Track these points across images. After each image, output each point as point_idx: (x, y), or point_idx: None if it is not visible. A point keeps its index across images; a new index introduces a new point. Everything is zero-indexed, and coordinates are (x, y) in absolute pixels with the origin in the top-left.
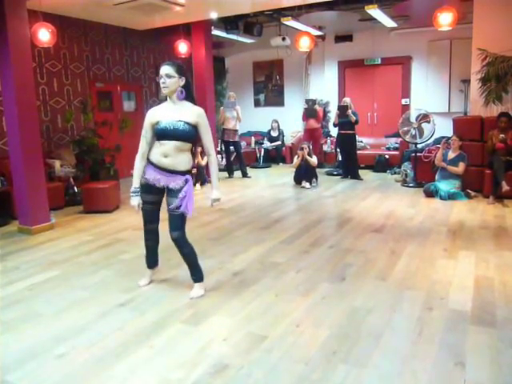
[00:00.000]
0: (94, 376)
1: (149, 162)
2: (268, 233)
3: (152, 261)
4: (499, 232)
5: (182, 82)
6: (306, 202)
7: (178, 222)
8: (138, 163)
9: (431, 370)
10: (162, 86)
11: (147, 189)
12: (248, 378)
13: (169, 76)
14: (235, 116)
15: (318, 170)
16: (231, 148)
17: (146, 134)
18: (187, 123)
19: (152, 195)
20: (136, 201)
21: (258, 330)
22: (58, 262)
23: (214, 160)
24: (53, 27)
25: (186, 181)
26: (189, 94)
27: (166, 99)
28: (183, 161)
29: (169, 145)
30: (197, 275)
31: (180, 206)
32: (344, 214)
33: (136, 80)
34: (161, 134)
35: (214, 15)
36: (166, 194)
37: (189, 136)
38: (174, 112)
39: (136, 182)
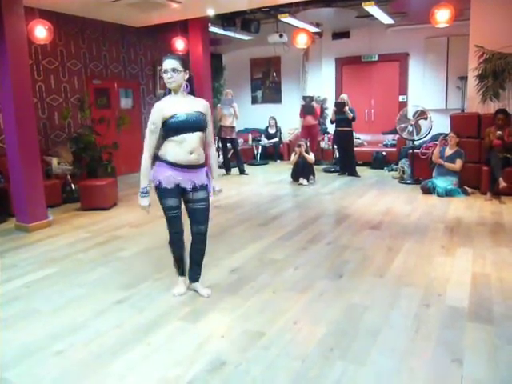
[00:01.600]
0: (91, 373)
1: (165, 162)
2: (266, 230)
3: (184, 268)
4: (496, 228)
5: (187, 75)
6: (304, 199)
7: (206, 214)
8: (147, 162)
9: (428, 366)
10: (168, 80)
11: (170, 193)
12: (245, 374)
13: (175, 70)
14: (232, 113)
15: (315, 167)
16: (228, 145)
17: (155, 129)
18: (201, 113)
19: (176, 198)
20: (147, 201)
21: (256, 327)
22: (56, 259)
23: (214, 151)
24: (49, 24)
25: (207, 173)
26: (191, 87)
27: (165, 95)
28: (203, 152)
29: (192, 138)
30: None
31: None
32: (341, 211)
33: (133, 77)
34: (181, 127)
35: (211, 12)
36: (186, 193)
37: (206, 126)
38: (188, 104)
39: (144, 182)
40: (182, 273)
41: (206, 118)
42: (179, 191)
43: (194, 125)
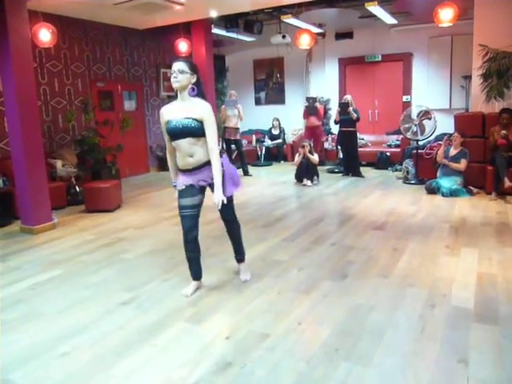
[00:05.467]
0: (96, 375)
1: (178, 168)
2: (270, 231)
3: (195, 272)
4: (502, 228)
5: (194, 79)
6: (308, 200)
7: (226, 206)
8: (169, 159)
9: (434, 367)
10: (173, 80)
11: (183, 193)
12: (250, 375)
13: (181, 71)
14: (236, 114)
15: (319, 168)
16: (232, 146)
17: (165, 132)
18: (195, 120)
19: (188, 198)
20: (177, 193)
21: (261, 328)
22: (60, 261)
23: (215, 158)
24: (53, 27)
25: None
26: (200, 91)
27: (174, 96)
28: (204, 153)
29: (184, 143)
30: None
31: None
32: (346, 212)
33: (137, 79)
34: (172, 134)
35: (213, 14)
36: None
37: (200, 132)
38: (182, 110)
39: (173, 176)
40: (193, 276)
41: (200, 125)
42: (195, 191)
43: (183, 131)
